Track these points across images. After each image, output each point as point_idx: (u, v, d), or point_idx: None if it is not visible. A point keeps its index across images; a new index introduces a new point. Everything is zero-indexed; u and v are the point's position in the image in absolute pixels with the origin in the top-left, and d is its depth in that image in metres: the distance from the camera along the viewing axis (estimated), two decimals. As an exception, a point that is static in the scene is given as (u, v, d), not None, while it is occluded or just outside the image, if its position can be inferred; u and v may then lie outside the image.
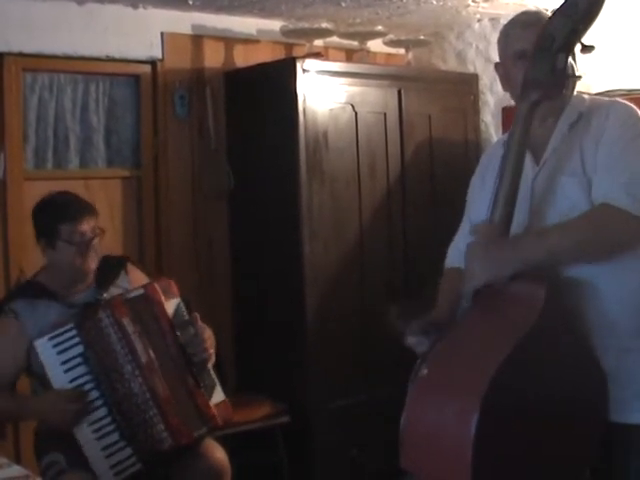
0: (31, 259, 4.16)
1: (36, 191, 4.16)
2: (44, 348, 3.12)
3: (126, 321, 3.21)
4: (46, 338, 3.13)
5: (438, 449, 2.06)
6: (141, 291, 3.33)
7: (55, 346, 3.13)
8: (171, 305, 3.35)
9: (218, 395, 3.37)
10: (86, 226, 3.31)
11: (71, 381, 3.13)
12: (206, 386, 3.34)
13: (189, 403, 3.27)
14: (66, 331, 3.16)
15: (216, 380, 3.38)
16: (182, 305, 3.38)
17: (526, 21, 2.43)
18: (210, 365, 3.36)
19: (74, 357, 3.14)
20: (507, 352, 2.02)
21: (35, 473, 2.94)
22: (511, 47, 2.44)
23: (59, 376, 3.13)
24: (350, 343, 4.57)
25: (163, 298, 3.33)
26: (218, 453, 3.36)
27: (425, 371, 2.15)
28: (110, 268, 3.49)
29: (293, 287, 4.48)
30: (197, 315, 3.37)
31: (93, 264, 3.36)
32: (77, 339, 3.15)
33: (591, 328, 2.26)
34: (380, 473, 4.32)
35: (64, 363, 3.13)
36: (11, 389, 3.31)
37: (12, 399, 3.29)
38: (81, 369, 3.14)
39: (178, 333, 3.31)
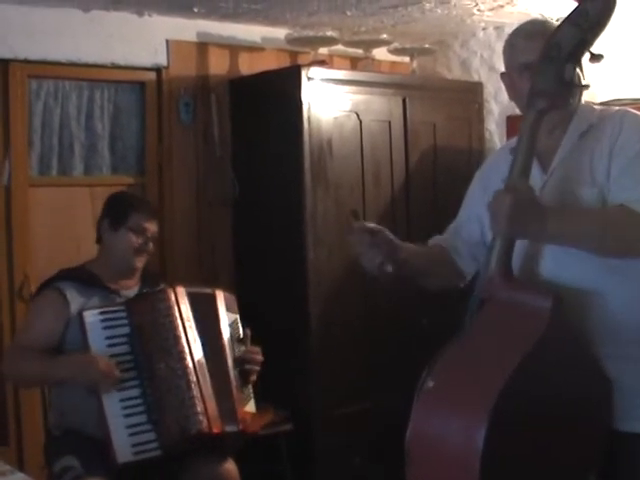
0: (35, 264, 4.17)
1: (41, 197, 4.20)
2: (92, 319, 3.23)
3: (184, 308, 3.34)
4: (96, 311, 3.26)
5: (445, 463, 2.06)
6: (208, 290, 3.52)
7: (103, 321, 3.24)
8: (229, 317, 3.52)
9: (250, 407, 3.47)
10: (151, 226, 3.50)
11: (111, 356, 3.20)
12: (244, 395, 3.44)
13: (227, 400, 3.32)
14: (117, 310, 3.29)
15: (252, 395, 3.50)
16: (239, 322, 3.56)
17: (531, 31, 2.42)
18: (252, 380, 3.50)
19: (119, 335, 3.25)
20: (515, 365, 2.01)
21: (40, 479, 2.94)
22: (516, 59, 2.44)
23: (101, 349, 3.21)
24: (354, 350, 4.56)
25: (225, 306, 3.51)
26: (228, 464, 3.36)
27: (431, 384, 2.14)
28: (154, 274, 3.71)
29: (297, 293, 4.49)
30: (249, 333, 3.54)
31: (141, 264, 3.51)
32: (126, 320, 3.27)
33: (596, 337, 2.26)
34: (383, 481, 4.32)
35: (108, 338, 3.23)
36: None
37: (44, 356, 3.31)
38: (124, 348, 3.24)
39: (232, 343, 3.46)
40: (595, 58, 2.21)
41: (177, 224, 4.71)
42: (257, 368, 3.48)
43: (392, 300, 4.69)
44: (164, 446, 3.16)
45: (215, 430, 3.21)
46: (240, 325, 3.54)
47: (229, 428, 3.30)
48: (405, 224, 4.83)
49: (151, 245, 3.50)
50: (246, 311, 4.71)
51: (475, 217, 2.63)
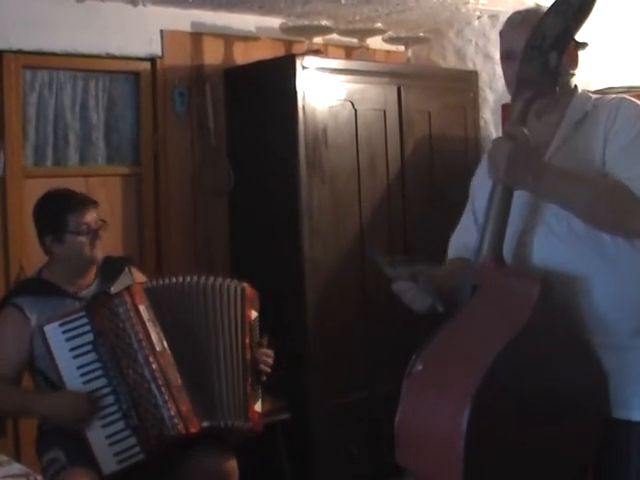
0: (31, 256, 4.17)
1: (36, 188, 4.19)
2: (54, 334, 3.15)
3: (142, 308, 3.24)
4: (57, 324, 3.17)
5: (431, 445, 2.07)
6: (243, 285, 3.46)
7: (65, 332, 3.16)
8: (252, 315, 3.46)
9: (257, 406, 3.43)
10: (90, 217, 3.39)
11: (79, 367, 3.15)
12: (256, 393, 3.42)
13: (241, 396, 3.32)
14: (77, 318, 3.19)
15: (260, 394, 3.46)
16: (257, 320, 3.49)
17: (513, 20, 2.46)
18: (262, 379, 3.47)
19: (83, 344, 3.17)
20: (499, 348, 2.02)
21: (36, 471, 2.95)
22: (500, 47, 2.48)
23: (67, 362, 3.15)
24: (350, 340, 4.57)
25: (250, 303, 3.46)
26: (225, 456, 3.37)
27: (419, 367, 2.15)
28: (113, 265, 3.57)
29: (293, 283, 4.49)
30: (266, 340, 3.51)
31: (99, 254, 3.44)
32: (87, 327, 3.18)
33: (588, 325, 2.26)
34: (380, 470, 4.33)
35: (73, 349, 3.16)
36: (18, 383, 3.34)
37: (23, 392, 3.32)
38: (90, 356, 3.17)
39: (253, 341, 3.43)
40: (579, 46, 2.22)
41: (173, 214, 4.71)
42: (268, 370, 3.46)
43: (388, 289, 4.70)
44: (146, 450, 3.12)
45: (192, 430, 3.16)
46: (258, 324, 3.49)
47: (239, 424, 3.31)
48: (401, 212, 4.83)
49: (100, 232, 3.42)
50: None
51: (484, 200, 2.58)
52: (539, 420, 2.08)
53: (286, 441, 4.38)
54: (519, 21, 2.43)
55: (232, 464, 3.35)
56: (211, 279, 3.43)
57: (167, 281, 3.41)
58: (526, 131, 2.22)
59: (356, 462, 4.57)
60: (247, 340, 3.40)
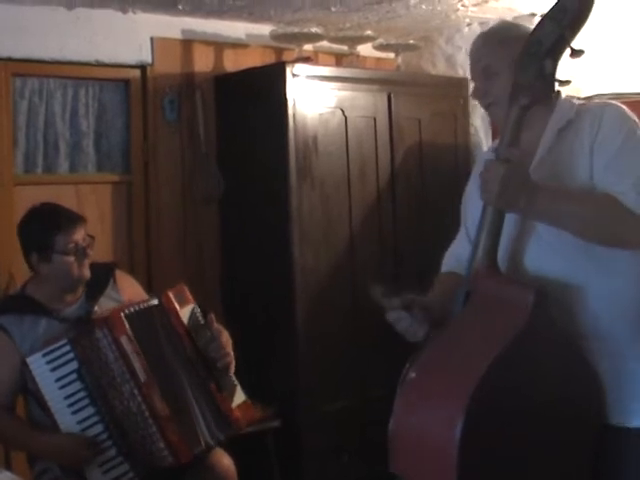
0: (21, 264, 4.13)
1: (26, 196, 4.19)
2: (37, 365, 3.11)
3: (124, 340, 3.15)
4: (40, 354, 3.12)
5: (425, 454, 2.07)
6: (155, 302, 3.33)
7: (49, 362, 3.11)
8: (186, 312, 3.35)
9: (239, 397, 3.37)
10: (78, 235, 3.30)
11: (66, 397, 3.11)
12: (228, 389, 3.33)
13: (211, 409, 3.27)
14: (60, 347, 3.14)
15: (236, 382, 3.38)
16: (197, 310, 3.39)
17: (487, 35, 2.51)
18: (231, 368, 3.35)
19: (69, 373, 3.12)
20: (493, 357, 2.02)
21: (27, 478, 2.94)
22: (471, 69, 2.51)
23: (54, 393, 3.11)
24: (341, 347, 4.56)
25: (178, 306, 3.33)
26: (225, 460, 3.36)
27: (413, 375, 2.15)
28: (98, 278, 3.45)
29: (283, 290, 4.48)
30: (213, 317, 3.36)
31: (87, 272, 3.35)
32: (71, 355, 3.13)
33: (583, 332, 2.26)
34: (371, 477, 4.32)
35: (59, 380, 3.11)
36: (13, 411, 3.29)
37: (23, 430, 3.26)
38: (76, 385, 3.12)
39: (196, 340, 3.31)
40: (576, 53, 2.21)
41: (163, 221, 4.70)
42: (231, 355, 3.34)
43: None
44: (140, 475, 3.11)
45: (183, 460, 3.13)
46: (199, 313, 3.39)
47: (228, 433, 3.29)
48: (391, 220, 4.83)
49: (89, 249, 3.34)
50: (232, 308, 4.73)
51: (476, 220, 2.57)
52: (534, 428, 2.08)
53: (277, 448, 4.38)
54: (493, 39, 2.46)
55: (228, 461, 3.37)
56: (154, 299, 3.36)
57: (141, 306, 3.31)
58: (520, 156, 2.22)
59: (347, 469, 4.56)
60: (188, 345, 3.30)
